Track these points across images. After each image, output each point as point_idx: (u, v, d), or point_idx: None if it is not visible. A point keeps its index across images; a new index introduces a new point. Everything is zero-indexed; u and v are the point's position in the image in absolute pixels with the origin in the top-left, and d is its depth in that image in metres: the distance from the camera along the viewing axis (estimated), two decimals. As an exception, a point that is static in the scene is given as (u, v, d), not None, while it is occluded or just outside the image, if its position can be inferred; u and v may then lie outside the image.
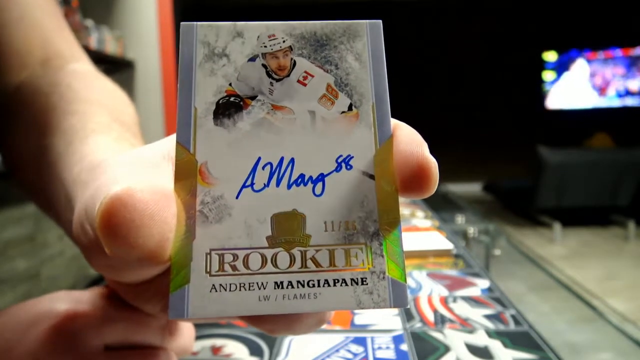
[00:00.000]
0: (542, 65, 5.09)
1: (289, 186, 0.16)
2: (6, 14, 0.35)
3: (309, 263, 0.15)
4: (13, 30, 0.35)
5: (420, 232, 0.64)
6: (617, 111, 5.07)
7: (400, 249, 0.15)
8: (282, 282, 0.15)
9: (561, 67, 5.09)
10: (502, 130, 5.17)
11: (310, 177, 0.16)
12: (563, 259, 2.79)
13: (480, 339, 0.35)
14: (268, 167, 0.16)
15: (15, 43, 0.35)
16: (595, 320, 0.45)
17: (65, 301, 0.22)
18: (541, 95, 5.16)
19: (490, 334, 0.35)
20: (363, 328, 0.37)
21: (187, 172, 0.15)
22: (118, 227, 0.14)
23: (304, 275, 0.15)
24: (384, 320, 0.38)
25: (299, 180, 0.16)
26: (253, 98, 0.16)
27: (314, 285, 0.15)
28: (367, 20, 0.18)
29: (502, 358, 0.32)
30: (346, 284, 0.15)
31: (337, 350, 0.33)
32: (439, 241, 0.58)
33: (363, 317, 0.39)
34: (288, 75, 0.17)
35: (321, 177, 0.16)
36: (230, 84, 0.17)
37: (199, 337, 0.34)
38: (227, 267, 0.15)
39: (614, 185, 3.18)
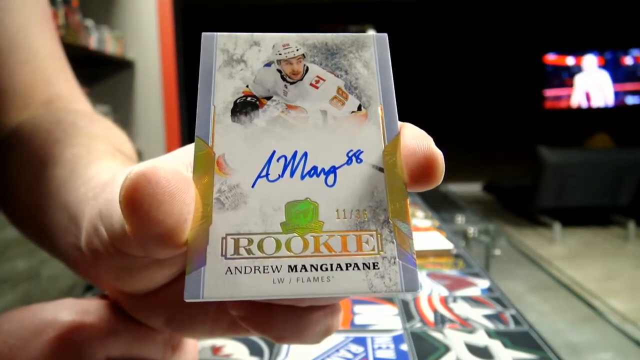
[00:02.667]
0: (543, 65, 5.09)
1: (302, 177, 0.16)
2: (13, 57, 0.36)
3: (322, 248, 0.16)
4: (18, 73, 0.36)
5: (420, 232, 0.64)
6: (617, 111, 5.07)
7: (409, 236, 0.16)
8: (295, 266, 0.15)
9: (576, 70, 5.09)
10: (502, 130, 5.16)
11: (323, 169, 0.17)
12: (563, 259, 2.79)
13: (480, 339, 0.35)
14: (282, 159, 0.17)
15: (18, 85, 0.36)
16: (595, 320, 0.45)
17: (71, 311, 0.22)
18: (542, 96, 5.17)
19: (490, 334, 0.35)
20: (363, 328, 0.37)
21: (205, 163, 0.16)
22: (141, 202, 0.14)
23: (317, 259, 0.15)
24: (384, 320, 0.38)
25: (312, 171, 0.17)
26: (268, 98, 0.18)
27: (327, 269, 0.15)
28: (374, 34, 0.19)
29: (502, 358, 0.32)
30: (358, 268, 0.16)
31: (337, 350, 0.33)
32: (439, 241, 0.58)
33: (363, 317, 0.39)
34: (301, 79, 0.18)
35: (333, 170, 0.17)
36: (247, 86, 0.18)
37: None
38: (242, 251, 0.15)
39: (614, 185, 3.18)
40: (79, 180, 0.25)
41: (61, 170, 0.28)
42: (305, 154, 0.17)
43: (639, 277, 2.52)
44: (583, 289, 2.23)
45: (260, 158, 0.17)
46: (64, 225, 0.25)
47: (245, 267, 0.15)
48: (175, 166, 0.16)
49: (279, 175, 0.16)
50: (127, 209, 0.14)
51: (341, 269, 0.15)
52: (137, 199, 0.14)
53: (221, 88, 0.17)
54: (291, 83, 0.18)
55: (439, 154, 0.16)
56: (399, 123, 0.17)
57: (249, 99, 0.17)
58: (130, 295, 0.21)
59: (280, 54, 0.18)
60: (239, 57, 0.18)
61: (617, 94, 5.08)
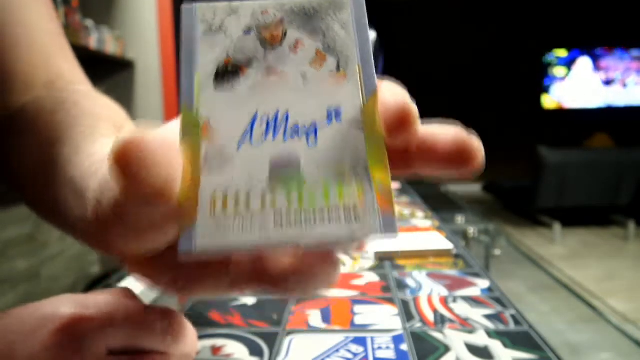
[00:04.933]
0: (543, 64, 5.09)
1: (285, 138, 0.17)
2: (12, 39, 0.36)
3: (305, 203, 0.17)
4: (17, 54, 0.36)
5: (420, 232, 0.64)
6: (617, 111, 5.07)
7: (389, 188, 0.17)
8: (281, 219, 0.16)
9: (570, 64, 5.08)
10: (502, 130, 5.16)
11: (305, 127, 0.17)
12: (563, 259, 2.80)
13: (480, 339, 0.35)
14: (265, 120, 0.18)
15: (19, 66, 0.36)
16: (595, 320, 0.45)
17: (70, 305, 0.22)
18: (541, 95, 5.16)
19: (490, 334, 0.35)
20: (363, 328, 0.37)
21: (191, 129, 0.17)
22: (130, 166, 0.15)
23: (301, 212, 0.17)
24: (384, 320, 0.38)
25: (294, 131, 0.17)
26: (249, 65, 0.18)
27: (309, 221, 0.16)
28: None
29: (502, 358, 0.32)
30: (339, 217, 0.16)
31: (337, 350, 0.33)
32: (439, 241, 0.58)
33: (363, 317, 0.39)
34: (280, 44, 0.19)
35: (314, 128, 0.17)
36: (227, 55, 0.19)
37: (199, 337, 0.34)
38: (230, 209, 0.16)
39: (614, 185, 3.18)
40: (83, 156, 0.26)
41: (67, 149, 0.29)
42: (287, 113, 0.18)
43: (639, 277, 2.52)
44: (583, 289, 2.23)
45: (243, 121, 0.17)
46: (70, 200, 0.26)
47: (233, 224, 0.16)
48: (162, 132, 0.17)
49: (263, 136, 0.17)
50: (117, 172, 0.15)
51: (323, 221, 0.16)
52: (125, 163, 0.15)
53: (203, 58, 0.18)
54: (271, 49, 0.19)
55: (413, 107, 0.17)
56: (378, 81, 0.18)
57: (230, 67, 0.18)
58: (137, 259, 0.21)
59: (259, 21, 0.19)
60: (218, 26, 0.19)
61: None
